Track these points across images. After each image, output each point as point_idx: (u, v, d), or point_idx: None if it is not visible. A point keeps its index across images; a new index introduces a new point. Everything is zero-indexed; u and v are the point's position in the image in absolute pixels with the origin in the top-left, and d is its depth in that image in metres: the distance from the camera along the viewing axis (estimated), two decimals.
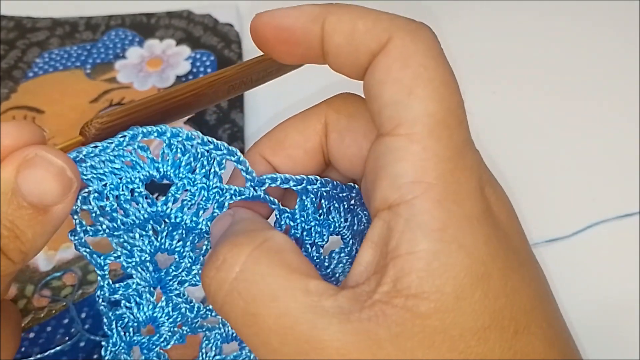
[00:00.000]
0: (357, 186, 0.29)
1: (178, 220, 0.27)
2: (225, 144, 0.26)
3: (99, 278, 0.27)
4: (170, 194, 0.26)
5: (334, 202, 0.29)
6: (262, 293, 0.21)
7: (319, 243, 0.29)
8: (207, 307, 0.29)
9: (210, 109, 0.50)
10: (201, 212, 0.27)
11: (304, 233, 0.28)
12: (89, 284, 0.39)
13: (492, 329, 0.21)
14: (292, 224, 0.28)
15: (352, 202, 0.29)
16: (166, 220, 0.27)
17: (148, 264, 0.27)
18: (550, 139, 0.50)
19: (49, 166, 0.22)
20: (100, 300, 0.27)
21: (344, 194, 0.29)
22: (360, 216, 0.30)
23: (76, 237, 0.26)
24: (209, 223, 0.27)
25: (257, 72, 0.29)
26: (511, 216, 0.24)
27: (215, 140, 0.26)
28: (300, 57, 0.24)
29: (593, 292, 0.41)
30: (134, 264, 0.27)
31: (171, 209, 0.26)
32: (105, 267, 0.27)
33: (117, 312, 0.28)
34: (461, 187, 0.22)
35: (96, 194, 0.25)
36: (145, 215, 0.26)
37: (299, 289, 0.21)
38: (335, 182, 0.28)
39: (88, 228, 0.26)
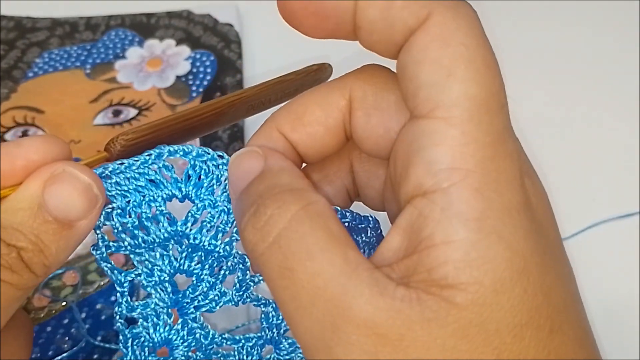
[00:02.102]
0: (376, 220, 0.28)
1: (197, 241, 0.27)
2: None
3: (118, 295, 0.27)
4: (189, 215, 0.26)
5: (354, 235, 0.28)
6: (300, 250, 0.21)
7: None
8: (222, 335, 0.29)
9: None
10: (220, 235, 0.27)
11: None
12: (89, 284, 0.39)
13: (528, 327, 0.20)
14: None
15: (369, 234, 0.29)
16: (186, 240, 0.27)
17: (167, 284, 0.27)
18: (550, 140, 0.50)
19: (76, 182, 0.23)
20: (118, 317, 0.27)
21: (363, 226, 0.28)
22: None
23: (98, 252, 0.26)
24: (227, 247, 0.27)
25: (276, 92, 0.29)
26: (548, 210, 0.23)
27: None
28: (330, 31, 0.22)
29: (595, 293, 0.41)
30: (153, 283, 0.27)
31: (190, 230, 0.26)
32: (125, 284, 0.27)
33: (134, 331, 0.27)
34: (501, 175, 0.21)
35: (119, 211, 0.25)
36: (165, 235, 0.26)
37: (337, 254, 0.21)
38: (355, 214, 0.27)
39: (110, 244, 0.26)
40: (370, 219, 0.28)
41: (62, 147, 0.23)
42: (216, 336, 0.29)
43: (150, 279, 0.27)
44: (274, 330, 0.30)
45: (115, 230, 0.25)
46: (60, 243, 0.23)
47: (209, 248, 0.27)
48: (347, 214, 0.27)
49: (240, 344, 0.30)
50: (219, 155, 0.26)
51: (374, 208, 0.29)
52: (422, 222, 0.21)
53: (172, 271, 0.27)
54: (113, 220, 0.25)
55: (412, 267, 0.20)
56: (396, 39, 0.21)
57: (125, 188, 0.25)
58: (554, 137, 0.50)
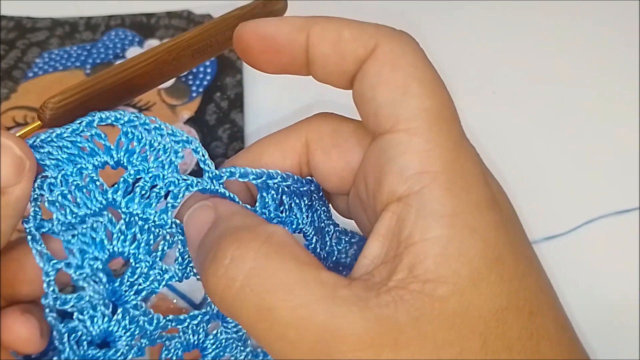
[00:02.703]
0: (315, 180, 0.28)
1: (130, 209, 0.25)
2: (184, 132, 0.26)
3: (45, 285, 0.25)
4: (122, 180, 0.25)
5: (295, 198, 0.28)
6: (275, 287, 0.21)
7: None
8: (167, 318, 0.28)
9: (210, 109, 0.50)
10: (154, 204, 0.26)
11: None
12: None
13: (509, 310, 0.21)
14: None
15: (312, 197, 0.29)
16: (118, 212, 0.26)
17: (101, 274, 0.26)
18: (549, 136, 0.50)
19: None
20: (48, 310, 0.25)
21: (304, 189, 0.28)
22: (319, 212, 0.29)
23: (28, 226, 0.25)
24: (163, 216, 0.26)
25: (222, 31, 0.28)
26: (511, 206, 0.25)
27: (173, 127, 0.26)
28: (283, 66, 0.25)
29: (594, 289, 0.41)
30: (84, 275, 0.25)
31: (122, 198, 0.25)
32: (52, 274, 0.25)
33: (70, 325, 0.26)
34: (466, 174, 0.22)
35: (52, 180, 0.25)
36: (97, 204, 0.25)
37: (313, 281, 0.21)
38: (295, 177, 0.27)
39: (44, 223, 0.25)
40: (311, 179, 0.28)
41: None
42: (161, 320, 0.27)
43: (81, 272, 0.25)
44: None
45: (47, 202, 0.25)
46: None
47: (143, 217, 0.25)
48: (289, 177, 0.27)
49: (185, 324, 0.29)
50: (150, 120, 0.25)
51: (345, 216, 0.29)
52: (400, 225, 0.22)
53: (105, 257, 0.26)
54: (44, 189, 0.25)
55: (393, 268, 0.21)
56: (348, 69, 0.24)
57: (58, 157, 0.25)
58: (552, 135, 0.50)
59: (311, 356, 0.20)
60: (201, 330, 0.29)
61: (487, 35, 0.57)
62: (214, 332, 0.29)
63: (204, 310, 0.29)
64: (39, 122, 0.24)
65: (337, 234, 0.30)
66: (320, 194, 0.29)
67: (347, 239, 0.31)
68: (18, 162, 0.23)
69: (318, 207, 0.29)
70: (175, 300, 0.39)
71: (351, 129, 0.26)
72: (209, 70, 0.52)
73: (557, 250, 0.42)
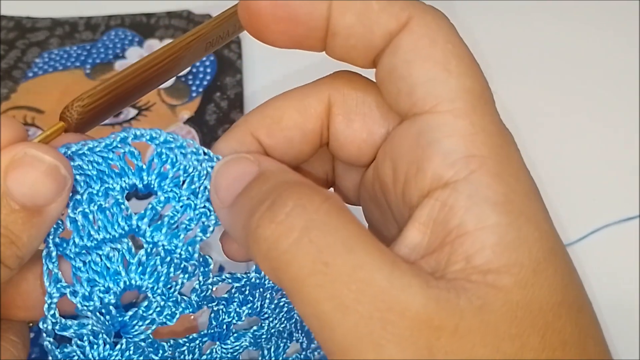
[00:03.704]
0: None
1: (155, 239, 0.23)
2: (220, 157, 0.24)
3: (45, 307, 0.23)
4: (150, 207, 0.23)
5: None
6: (337, 243, 0.19)
7: None
8: (169, 344, 0.26)
9: (210, 109, 0.50)
10: (182, 235, 0.24)
11: None
12: None
13: (563, 305, 0.20)
14: None
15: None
16: (140, 239, 0.24)
17: (111, 307, 0.24)
18: (552, 143, 0.50)
19: (40, 165, 0.21)
20: (45, 334, 0.23)
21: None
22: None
23: (49, 238, 0.23)
24: (189, 248, 0.24)
25: (233, 24, 0.27)
26: None
27: (210, 152, 0.24)
28: (298, 38, 0.22)
29: (598, 297, 0.41)
30: (92, 308, 0.23)
31: (148, 226, 0.23)
32: (55, 296, 0.23)
33: (66, 350, 0.23)
34: (513, 161, 0.21)
35: (79, 196, 0.23)
36: (118, 229, 0.23)
37: (374, 247, 0.19)
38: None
39: (61, 238, 0.23)
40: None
41: (16, 127, 0.21)
42: (166, 349, 0.26)
43: (87, 303, 0.23)
44: (223, 327, 0.28)
45: (68, 219, 0.23)
46: (31, 231, 0.21)
47: (168, 248, 0.24)
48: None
49: (184, 348, 0.27)
50: (188, 143, 0.23)
51: (348, 202, 0.28)
52: (448, 213, 0.20)
53: (119, 290, 0.24)
54: (69, 206, 0.23)
55: (445, 259, 0.20)
56: (375, 43, 0.21)
57: (88, 172, 0.23)
58: (554, 142, 0.50)
59: (363, 322, 0.18)
60: (197, 350, 0.28)
61: (488, 38, 0.57)
62: (208, 351, 0.28)
63: (203, 332, 0.28)
64: (62, 125, 0.23)
65: None
66: None
67: None
68: (61, 181, 0.21)
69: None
70: (192, 317, 0.37)
71: (379, 98, 0.24)
72: (208, 70, 0.52)
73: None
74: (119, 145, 0.23)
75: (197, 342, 0.28)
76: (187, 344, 0.27)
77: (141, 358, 0.25)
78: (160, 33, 0.56)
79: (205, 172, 0.23)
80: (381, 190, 0.24)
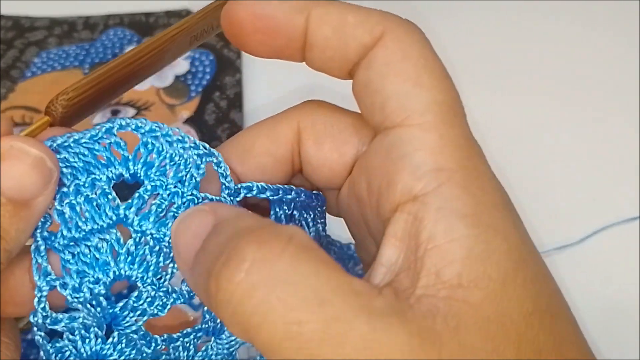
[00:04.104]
0: (321, 194, 0.27)
1: (143, 228, 0.23)
2: (207, 145, 0.24)
3: (35, 300, 0.23)
4: (137, 196, 0.23)
5: (304, 212, 0.27)
6: (308, 296, 0.18)
7: None
8: (162, 338, 0.26)
9: (209, 109, 0.49)
10: (170, 223, 0.23)
11: None
12: None
13: (535, 315, 0.20)
14: None
15: (316, 211, 0.28)
16: (129, 229, 0.24)
17: (101, 298, 0.23)
18: (552, 145, 0.50)
19: (26, 158, 0.21)
20: (36, 329, 0.23)
21: (313, 204, 0.27)
22: (318, 225, 0.28)
23: (37, 232, 0.23)
24: None
25: (217, 18, 0.26)
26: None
27: (196, 140, 0.24)
28: (277, 49, 0.22)
29: (597, 298, 0.41)
30: (82, 300, 0.23)
31: (135, 215, 0.23)
32: (44, 290, 0.23)
33: (58, 345, 0.23)
34: (480, 173, 0.21)
35: (65, 189, 0.23)
36: (105, 219, 0.23)
37: (347, 290, 0.18)
38: (307, 192, 0.26)
39: (49, 232, 0.23)
40: (318, 193, 0.27)
41: (2, 122, 0.21)
42: (159, 342, 0.25)
43: (78, 295, 0.23)
44: (217, 320, 0.27)
45: (55, 211, 0.23)
46: (19, 225, 0.21)
47: (156, 236, 0.23)
48: (301, 192, 0.26)
49: (178, 343, 0.26)
50: (173, 132, 0.23)
51: (331, 214, 0.28)
52: (419, 226, 0.20)
53: (108, 280, 0.23)
54: (56, 199, 0.23)
55: (417, 274, 0.20)
56: (350, 56, 0.22)
57: (74, 165, 0.23)
58: (556, 143, 0.50)
59: None
60: (191, 346, 0.27)
61: (488, 38, 0.57)
62: (203, 348, 0.28)
63: (198, 327, 0.27)
64: (47, 119, 0.23)
65: (329, 245, 0.30)
66: (324, 208, 0.28)
67: (335, 250, 0.30)
68: (47, 174, 0.21)
69: (319, 221, 0.28)
70: (192, 318, 0.36)
71: (348, 120, 0.25)
72: (208, 69, 0.52)
73: (568, 261, 0.42)
74: (105, 136, 0.23)
75: (192, 337, 0.27)
76: (182, 339, 0.27)
77: (134, 351, 0.25)
78: (158, 32, 0.56)
79: (191, 159, 0.24)
80: (357, 206, 0.24)
